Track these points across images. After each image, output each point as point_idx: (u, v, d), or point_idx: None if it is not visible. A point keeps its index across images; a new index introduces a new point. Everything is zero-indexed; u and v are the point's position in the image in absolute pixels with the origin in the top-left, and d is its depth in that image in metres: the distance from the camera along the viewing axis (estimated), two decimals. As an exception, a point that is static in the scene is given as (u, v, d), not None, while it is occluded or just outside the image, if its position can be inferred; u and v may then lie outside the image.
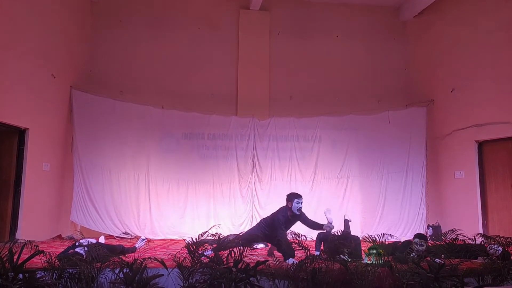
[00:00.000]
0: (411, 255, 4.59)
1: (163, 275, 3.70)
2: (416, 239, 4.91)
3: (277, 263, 4.16)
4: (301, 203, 5.41)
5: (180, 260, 3.86)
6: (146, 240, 6.44)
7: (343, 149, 8.77)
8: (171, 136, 8.48)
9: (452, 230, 5.10)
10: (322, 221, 5.69)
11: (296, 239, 4.58)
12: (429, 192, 8.62)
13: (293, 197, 5.42)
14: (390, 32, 9.57)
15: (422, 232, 7.03)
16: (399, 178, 8.60)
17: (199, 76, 8.94)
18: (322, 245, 5.36)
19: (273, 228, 5.34)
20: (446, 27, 8.64)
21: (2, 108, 6.24)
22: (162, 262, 3.80)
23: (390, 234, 6.02)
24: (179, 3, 9.08)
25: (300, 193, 5.53)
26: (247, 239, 5.25)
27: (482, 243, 5.11)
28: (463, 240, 5.07)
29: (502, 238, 4.70)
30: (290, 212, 5.39)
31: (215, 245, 4.44)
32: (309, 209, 8.32)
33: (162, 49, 8.86)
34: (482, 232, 6.92)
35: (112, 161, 8.09)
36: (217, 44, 9.07)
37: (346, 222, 6.49)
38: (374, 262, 4.16)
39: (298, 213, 5.36)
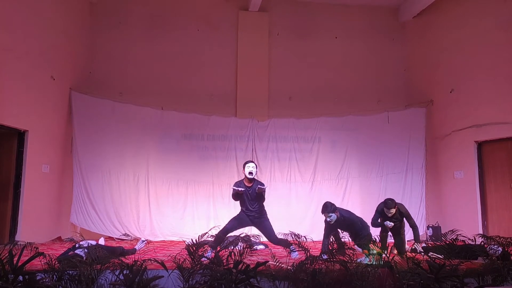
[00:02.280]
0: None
1: (163, 276, 3.70)
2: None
3: (277, 264, 4.16)
4: (252, 167, 5.57)
5: (180, 262, 3.87)
6: (146, 241, 6.44)
7: (342, 150, 8.77)
8: (171, 137, 8.48)
9: (452, 230, 5.11)
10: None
11: (296, 240, 4.58)
12: (429, 192, 8.62)
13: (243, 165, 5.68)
14: (389, 32, 9.58)
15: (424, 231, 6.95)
16: (399, 178, 8.60)
17: (198, 77, 8.95)
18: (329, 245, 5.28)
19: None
20: (445, 28, 8.65)
21: (2, 110, 6.24)
22: (162, 264, 3.80)
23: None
24: (178, 4, 9.08)
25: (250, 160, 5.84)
26: (225, 229, 5.44)
27: (482, 243, 5.12)
28: (463, 241, 5.08)
29: (501, 239, 4.71)
30: (246, 180, 5.59)
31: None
32: (309, 210, 8.41)
33: (162, 50, 8.86)
34: (481, 232, 6.94)
35: (112, 163, 8.08)
36: (216, 45, 9.08)
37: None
38: (374, 262, 4.16)
39: (250, 176, 5.52)
